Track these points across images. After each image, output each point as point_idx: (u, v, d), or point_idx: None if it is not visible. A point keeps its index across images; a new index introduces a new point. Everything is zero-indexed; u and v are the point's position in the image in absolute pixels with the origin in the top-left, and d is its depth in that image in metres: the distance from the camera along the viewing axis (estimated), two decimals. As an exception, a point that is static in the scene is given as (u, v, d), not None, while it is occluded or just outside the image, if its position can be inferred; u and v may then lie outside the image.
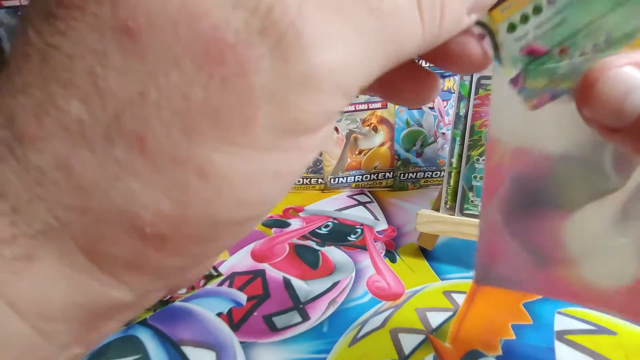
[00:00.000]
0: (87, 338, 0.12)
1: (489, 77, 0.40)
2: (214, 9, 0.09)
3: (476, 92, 0.41)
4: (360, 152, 0.58)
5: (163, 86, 0.09)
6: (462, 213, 0.41)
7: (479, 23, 0.14)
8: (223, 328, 0.36)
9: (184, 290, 0.40)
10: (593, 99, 0.13)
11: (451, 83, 0.55)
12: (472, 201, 0.41)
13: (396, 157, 0.58)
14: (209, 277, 0.42)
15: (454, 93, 0.55)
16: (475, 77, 0.41)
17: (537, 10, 0.14)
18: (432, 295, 0.39)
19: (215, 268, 0.44)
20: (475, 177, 0.41)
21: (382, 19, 0.11)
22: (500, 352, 0.33)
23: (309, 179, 0.59)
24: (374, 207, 0.56)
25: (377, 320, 0.37)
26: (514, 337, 0.34)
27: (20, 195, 0.10)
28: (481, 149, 0.41)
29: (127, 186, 0.10)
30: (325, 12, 0.10)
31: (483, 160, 0.41)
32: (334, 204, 0.57)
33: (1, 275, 0.10)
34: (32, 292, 0.10)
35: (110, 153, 0.10)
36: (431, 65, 0.15)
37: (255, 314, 0.38)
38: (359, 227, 0.51)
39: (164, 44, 0.09)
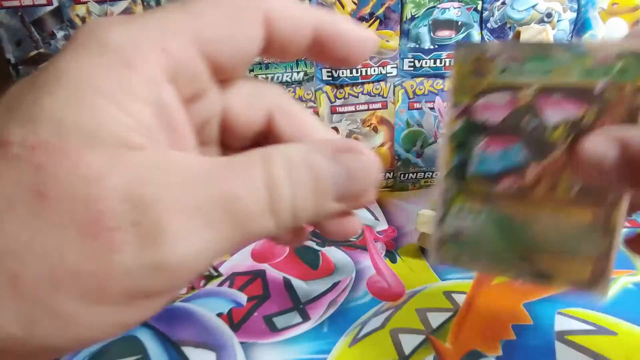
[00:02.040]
0: None
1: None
2: (106, 199, 0.12)
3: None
4: (360, 153, 0.58)
5: (47, 242, 0.12)
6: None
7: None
8: (223, 328, 0.36)
9: (184, 291, 0.40)
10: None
11: (451, 83, 0.55)
12: None
13: (396, 157, 0.58)
14: (208, 278, 0.42)
15: (454, 93, 0.55)
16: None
17: None
18: (432, 296, 0.39)
19: (215, 269, 0.44)
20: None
21: (235, 220, 0.13)
22: (500, 353, 0.33)
23: (309, 179, 0.59)
24: (374, 207, 0.56)
25: (377, 321, 0.37)
26: (514, 337, 0.34)
27: None
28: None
29: None
30: (187, 215, 0.13)
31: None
32: (334, 204, 0.57)
33: None
34: None
35: None
36: None
37: (256, 314, 0.38)
38: (359, 227, 0.51)
39: (61, 212, 0.12)
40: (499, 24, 0.52)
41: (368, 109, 0.56)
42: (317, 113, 0.56)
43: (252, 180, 0.13)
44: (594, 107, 0.20)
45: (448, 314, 0.37)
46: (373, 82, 0.55)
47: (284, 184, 0.14)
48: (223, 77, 0.16)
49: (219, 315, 0.38)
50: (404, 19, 0.52)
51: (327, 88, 0.55)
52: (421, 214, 0.42)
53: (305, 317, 0.37)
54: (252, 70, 0.54)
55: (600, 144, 0.18)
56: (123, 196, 0.12)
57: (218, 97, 0.16)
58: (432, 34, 0.52)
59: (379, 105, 0.56)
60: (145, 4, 0.51)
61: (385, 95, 0.56)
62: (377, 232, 0.50)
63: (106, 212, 0.12)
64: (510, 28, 0.52)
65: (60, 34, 0.53)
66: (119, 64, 0.13)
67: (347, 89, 0.55)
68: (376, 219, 0.53)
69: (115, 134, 0.13)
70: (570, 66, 0.21)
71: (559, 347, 0.33)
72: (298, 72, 0.54)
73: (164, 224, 0.12)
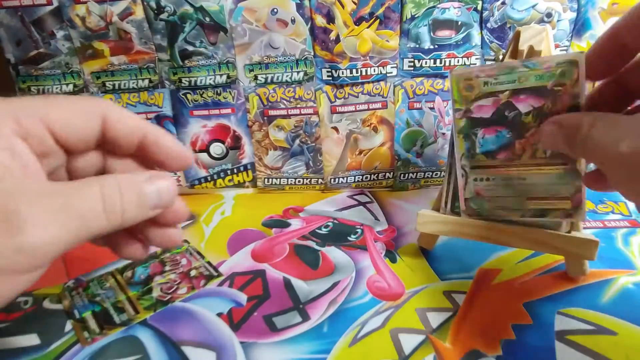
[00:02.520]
0: None
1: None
2: None
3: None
4: (360, 153, 0.58)
5: None
6: (453, 212, 0.41)
7: None
8: (223, 328, 0.36)
9: (184, 290, 0.40)
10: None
11: (451, 83, 0.55)
12: None
13: (396, 157, 0.58)
14: (209, 278, 0.42)
15: (454, 93, 0.55)
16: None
17: None
18: (432, 295, 0.39)
19: (215, 268, 0.44)
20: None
21: (76, 220, 0.20)
22: (500, 352, 0.33)
23: (309, 179, 0.59)
24: (374, 207, 0.56)
25: (377, 321, 0.37)
26: (514, 337, 0.34)
27: None
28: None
29: None
30: (41, 216, 0.19)
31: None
32: (334, 204, 0.57)
33: None
34: None
35: None
36: None
37: (256, 314, 0.38)
38: (359, 227, 0.51)
39: None
40: (499, 23, 0.52)
41: (368, 109, 0.56)
42: (317, 113, 0.56)
43: (91, 195, 0.21)
44: (549, 99, 0.33)
45: (448, 314, 0.37)
46: (373, 82, 0.55)
47: (116, 198, 0.22)
48: (74, 148, 0.24)
49: (219, 315, 0.38)
50: (404, 19, 0.52)
51: (327, 88, 0.55)
52: (421, 214, 0.42)
53: (305, 317, 0.37)
54: (252, 70, 0.54)
55: (548, 126, 0.30)
56: None
57: (62, 156, 0.24)
58: (432, 33, 0.52)
59: (379, 105, 0.56)
60: (145, 3, 0.51)
61: (385, 95, 0.56)
62: (377, 232, 0.50)
63: None
64: (510, 28, 0.52)
65: (60, 34, 0.53)
66: None
67: (347, 89, 0.55)
68: (376, 219, 0.53)
69: None
70: (528, 75, 0.33)
71: (559, 347, 0.33)
72: (298, 72, 0.54)
73: (23, 222, 0.19)
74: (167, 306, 0.38)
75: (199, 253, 0.46)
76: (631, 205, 0.52)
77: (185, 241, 0.48)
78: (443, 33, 0.52)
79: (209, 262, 0.44)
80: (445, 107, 0.56)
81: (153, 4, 0.51)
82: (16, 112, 0.22)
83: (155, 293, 0.39)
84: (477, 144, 0.37)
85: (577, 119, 0.27)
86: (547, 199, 0.36)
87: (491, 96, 0.35)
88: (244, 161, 0.59)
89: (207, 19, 0.52)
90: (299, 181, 0.60)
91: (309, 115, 0.56)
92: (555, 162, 0.34)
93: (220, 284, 0.42)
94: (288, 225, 0.52)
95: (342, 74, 0.54)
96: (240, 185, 0.60)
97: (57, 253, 0.20)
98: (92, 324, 0.37)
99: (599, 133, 0.26)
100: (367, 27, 0.52)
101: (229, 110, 0.56)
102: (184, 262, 0.44)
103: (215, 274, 0.43)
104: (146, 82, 0.55)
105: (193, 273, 0.42)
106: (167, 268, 0.43)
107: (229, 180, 0.60)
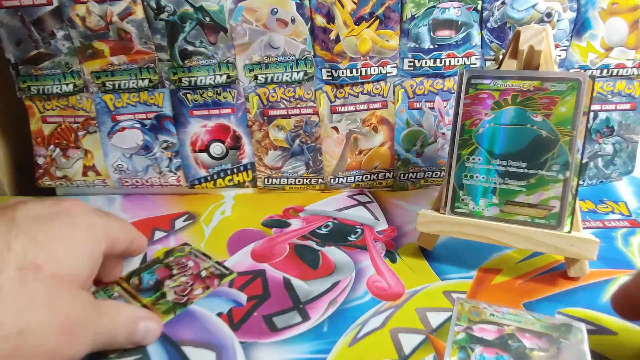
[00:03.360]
0: None
1: (479, 77, 0.41)
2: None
3: (466, 92, 0.41)
4: (360, 152, 0.58)
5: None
6: (452, 212, 0.41)
7: None
8: (223, 328, 0.36)
9: (199, 291, 0.40)
10: None
11: (451, 83, 0.55)
12: (462, 200, 0.41)
13: (396, 157, 0.58)
14: (221, 276, 0.42)
15: (454, 93, 0.55)
16: (466, 76, 0.41)
17: None
18: (432, 295, 0.39)
19: (225, 267, 0.43)
20: (465, 176, 0.41)
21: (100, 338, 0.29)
22: (500, 352, 0.33)
23: (309, 179, 0.59)
24: (374, 207, 0.56)
25: (377, 320, 0.37)
26: (514, 337, 0.34)
27: None
28: (471, 148, 0.41)
29: None
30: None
31: (473, 159, 0.41)
32: (334, 204, 0.57)
33: None
34: None
35: None
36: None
37: (256, 314, 0.38)
38: (359, 227, 0.51)
39: None
40: (499, 23, 0.52)
41: (368, 109, 0.56)
42: (317, 113, 0.56)
43: (114, 323, 0.30)
44: (555, 346, 0.32)
45: (448, 314, 0.37)
46: (373, 81, 0.55)
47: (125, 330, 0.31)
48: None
49: (219, 315, 0.38)
50: (404, 19, 0.52)
51: (327, 88, 0.55)
52: (421, 214, 0.42)
53: (305, 317, 0.37)
54: (252, 70, 0.54)
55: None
56: (16, 262, 0.25)
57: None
58: (432, 33, 0.52)
59: (379, 105, 0.56)
60: (145, 3, 0.51)
61: (385, 95, 0.56)
62: (377, 232, 0.50)
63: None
64: (510, 28, 0.52)
65: (60, 34, 0.53)
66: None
67: (347, 89, 0.55)
68: (376, 218, 0.53)
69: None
70: (534, 321, 0.35)
71: (559, 347, 0.33)
72: (298, 72, 0.54)
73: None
74: (186, 307, 0.38)
75: (203, 254, 0.45)
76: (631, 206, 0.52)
77: (186, 244, 0.48)
78: (443, 33, 0.52)
79: (217, 262, 0.44)
80: (445, 107, 0.56)
81: (153, 4, 0.51)
82: (111, 234, 0.30)
83: (170, 297, 0.39)
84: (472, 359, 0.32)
85: None
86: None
87: (496, 325, 0.35)
88: (244, 161, 0.59)
89: (207, 18, 0.52)
90: (299, 181, 0.60)
91: (309, 115, 0.56)
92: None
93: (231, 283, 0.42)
94: (288, 225, 0.52)
95: (342, 73, 0.54)
96: (240, 185, 0.60)
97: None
98: None
99: None
100: (367, 27, 0.52)
101: (229, 110, 0.56)
102: (191, 264, 0.43)
103: (227, 272, 0.43)
104: (146, 82, 0.55)
105: (204, 274, 0.42)
106: (175, 272, 0.42)
107: (229, 180, 0.60)
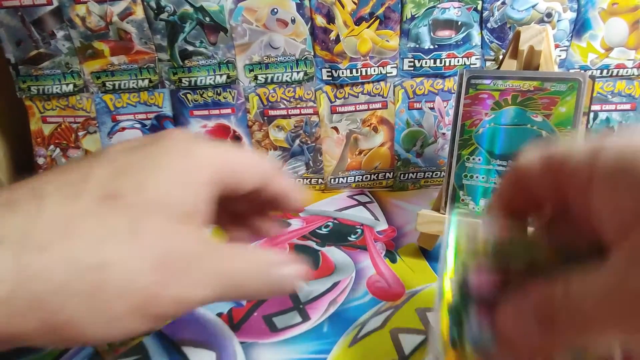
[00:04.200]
0: None
1: (479, 77, 0.41)
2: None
3: (466, 92, 0.41)
4: (360, 152, 0.58)
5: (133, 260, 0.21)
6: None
7: None
8: (223, 328, 0.36)
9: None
10: None
11: (451, 83, 0.55)
12: (462, 200, 0.41)
13: (396, 157, 0.58)
14: None
15: (454, 93, 0.55)
16: (466, 76, 0.41)
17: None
18: (432, 296, 0.39)
19: None
20: (465, 176, 0.41)
21: (229, 284, 0.23)
22: (500, 353, 0.33)
23: (309, 179, 0.59)
24: (374, 207, 0.56)
25: (377, 321, 0.37)
26: (514, 337, 0.34)
27: None
28: (471, 148, 0.41)
29: None
30: (206, 271, 0.22)
31: (473, 159, 0.41)
32: (334, 204, 0.57)
33: None
34: None
35: None
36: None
37: (255, 314, 0.38)
38: (359, 227, 0.51)
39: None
40: (499, 23, 0.52)
41: (368, 109, 0.56)
42: (317, 113, 0.56)
43: (249, 270, 0.23)
44: None
45: (448, 314, 0.37)
46: (373, 82, 0.55)
47: (261, 275, 0.24)
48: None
49: (219, 315, 0.38)
50: (404, 19, 0.52)
51: (327, 88, 0.55)
52: (421, 214, 0.42)
53: (305, 317, 0.37)
54: (252, 70, 0.54)
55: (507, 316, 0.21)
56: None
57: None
58: (432, 33, 0.52)
59: (379, 105, 0.56)
60: (145, 3, 0.51)
61: (385, 95, 0.56)
62: (377, 232, 0.50)
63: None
64: (510, 28, 0.52)
65: (60, 34, 0.53)
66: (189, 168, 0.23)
67: (347, 89, 0.55)
68: (376, 219, 0.53)
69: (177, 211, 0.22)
70: None
71: (559, 347, 0.33)
72: (298, 72, 0.54)
73: (193, 279, 0.21)
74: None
75: None
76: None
77: None
78: (443, 33, 0.52)
79: None
80: (445, 107, 0.56)
81: (153, 4, 0.51)
82: (220, 163, 0.24)
83: None
84: (466, 329, 0.24)
85: (547, 289, 0.19)
86: None
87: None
88: (244, 161, 0.59)
89: (207, 19, 0.52)
90: (299, 181, 0.60)
91: (309, 115, 0.56)
92: None
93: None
94: (288, 225, 0.52)
95: (342, 74, 0.54)
96: (240, 185, 0.60)
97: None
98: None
99: (578, 289, 0.18)
100: (367, 27, 0.52)
101: (229, 110, 0.56)
102: None
103: None
104: (146, 82, 0.55)
105: None
106: None
107: (229, 180, 0.60)
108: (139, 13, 0.52)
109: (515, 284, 0.20)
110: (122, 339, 0.21)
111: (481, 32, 0.53)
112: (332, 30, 0.52)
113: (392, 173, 0.59)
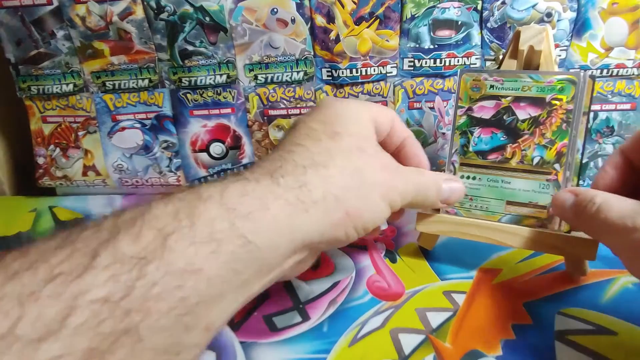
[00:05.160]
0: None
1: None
2: None
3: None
4: (360, 152, 0.58)
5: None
6: (447, 211, 0.41)
7: None
8: (223, 328, 0.36)
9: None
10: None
11: (451, 83, 0.55)
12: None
13: (396, 157, 0.58)
14: None
15: (454, 93, 0.55)
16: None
17: None
18: (432, 295, 0.39)
19: None
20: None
21: (417, 193, 0.35)
22: (500, 352, 0.33)
23: (309, 179, 0.59)
24: (374, 207, 0.56)
25: (377, 320, 0.37)
26: (514, 337, 0.34)
27: None
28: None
29: None
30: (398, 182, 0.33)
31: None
32: (334, 204, 0.57)
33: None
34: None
35: None
36: None
37: (255, 314, 0.38)
38: (359, 227, 0.51)
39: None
40: (499, 23, 0.52)
41: (368, 109, 0.56)
42: (317, 113, 0.56)
43: (428, 181, 0.36)
44: (545, 109, 0.37)
45: (448, 314, 0.37)
46: (373, 81, 0.55)
47: (432, 187, 0.36)
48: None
49: (219, 315, 0.38)
50: (404, 19, 0.52)
51: (327, 88, 0.55)
52: (421, 214, 0.42)
53: (305, 317, 0.37)
54: (252, 70, 0.54)
55: (564, 194, 0.34)
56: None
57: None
58: (432, 33, 0.52)
59: (379, 105, 0.56)
60: (145, 3, 0.51)
61: (385, 95, 0.56)
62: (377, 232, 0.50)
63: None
64: (510, 28, 0.52)
65: (60, 34, 0.53)
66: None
67: (347, 89, 0.55)
68: (376, 218, 0.53)
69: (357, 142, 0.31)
70: (531, 85, 0.37)
71: (559, 347, 0.33)
72: (298, 72, 0.54)
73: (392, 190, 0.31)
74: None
75: None
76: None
77: None
78: (443, 33, 0.52)
79: None
80: (445, 107, 0.56)
81: (153, 4, 0.51)
82: (371, 110, 0.34)
83: None
84: (471, 142, 0.39)
85: (592, 193, 0.30)
86: (525, 205, 0.38)
87: (494, 99, 0.38)
88: (244, 161, 0.59)
89: (207, 18, 0.52)
90: (299, 181, 0.60)
91: (309, 115, 0.56)
92: (540, 170, 0.38)
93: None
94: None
95: (342, 73, 0.54)
96: (240, 185, 0.60)
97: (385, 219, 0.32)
98: None
99: (607, 208, 0.28)
100: (367, 27, 0.52)
101: (229, 110, 0.56)
102: None
103: None
104: (146, 82, 0.55)
105: None
106: None
107: (229, 180, 0.60)
108: (139, 13, 0.52)
109: None
110: (381, 223, 0.31)
111: (481, 32, 0.53)
112: (332, 30, 0.52)
113: (392, 173, 0.59)
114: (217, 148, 0.58)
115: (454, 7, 0.51)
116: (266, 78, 0.55)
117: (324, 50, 0.53)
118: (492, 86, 0.38)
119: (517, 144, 0.38)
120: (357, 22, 0.52)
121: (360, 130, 0.31)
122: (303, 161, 0.28)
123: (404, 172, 0.33)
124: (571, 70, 0.51)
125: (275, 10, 0.51)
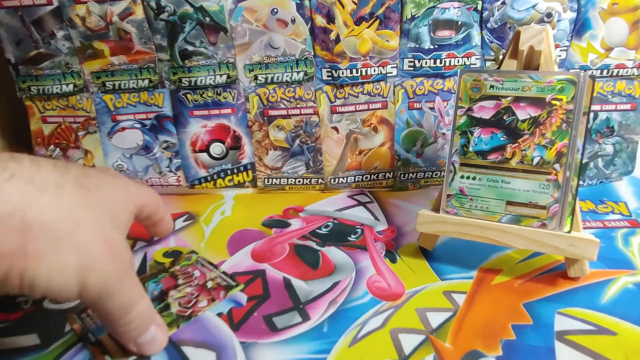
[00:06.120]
0: None
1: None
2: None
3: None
4: (360, 152, 0.58)
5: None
6: (445, 211, 0.41)
7: None
8: (223, 328, 0.36)
9: (204, 303, 0.40)
10: None
11: (451, 83, 0.55)
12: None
13: (396, 157, 0.58)
14: (228, 288, 0.41)
15: (454, 93, 0.55)
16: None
17: None
18: (432, 295, 0.39)
19: (232, 277, 0.42)
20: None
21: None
22: (500, 352, 0.33)
23: (309, 179, 0.59)
24: (374, 207, 0.56)
25: (377, 321, 0.37)
26: (514, 337, 0.34)
27: None
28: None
29: None
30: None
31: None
32: (334, 204, 0.57)
33: None
34: None
35: None
36: None
37: (256, 314, 0.38)
38: (359, 227, 0.51)
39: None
40: (499, 24, 0.52)
41: (368, 109, 0.56)
42: (317, 113, 0.56)
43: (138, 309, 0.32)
44: (545, 109, 0.37)
45: (448, 314, 0.37)
46: (373, 82, 0.55)
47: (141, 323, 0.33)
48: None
49: (219, 315, 0.38)
50: (404, 19, 0.52)
51: (327, 88, 0.55)
52: (421, 214, 0.42)
53: (305, 317, 0.37)
54: (252, 70, 0.54)
55: None
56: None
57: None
58: (432, 34, 0.52)
59: (379, 105, 0.56)
60: (145, 3, 0.51)
61: (385, 95, 0.56)
62: (377, 232, 0.50)
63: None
64: (510, 28, 0.52)
65: (60, 34, 0.53)
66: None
67: (347, 89, 0.55)
68: (376, 219, 0.53)
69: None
70: (531, 86, 0.37)
71: (559, 347, 0.33)
72: (298, 72, 0.54)
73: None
74: (190, 320, 0.37)
75: (210, 263, 0.44)
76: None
77: (193, 252, 0.47)
78: (443, 33, 0.52)
79: (224, 272, 0.43)
80: (445, 107, 0.56)
81: (153, 4, 0.51)
82: (135, 201, 0.34)
83: (174, 308, 0.38)
84: (471, 142, 0.39)
85: None
86: (525, 205, 0.39)
87: (494, 99, 0.38)
88: (244, 161, 0.59)
89: (207, 19, 0.52)
90: (299, 181, 0.60)
91: (309, 115, 0.56)
92: (540, 170, 0.37)
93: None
94: (288, 225, 0.52)
95: (342, 74, 0.54)
96: (240, 185, 0.60)
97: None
98: (111, 345, 0.34)
99: None
100: (367, 27, 0.52)
101: (229, 110, 0.56)
102: (197, 274, 0.43)
103: (234, 283, 0.41)
104: (146, 82, 0.55)
105: (210, 285, 0.41)
106: (180, 282, 0.41)
107: (229, 180, 0.60)
108: (139, 13, 0.52)
109: None
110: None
111: (481, 32, 0.53)
112: (332, 30, 0.52)
113: (392, 173, 0.59)
114: (217, 148, 0.58)
115: (454, 8, 0.51)
116: (266, 78, 0.55)
117: (324, 50, 0.53)
118: (492, 86, 0.39)
119: (517, 144, 0.38)
120: (357, 22, 0.52)
121: (115, 206, 0.32)
122: (20, 173, 0.29)
123: (122, 256, 0.31)
124: (571, 71, 0.52)
125: (275, 10, 0.51)
